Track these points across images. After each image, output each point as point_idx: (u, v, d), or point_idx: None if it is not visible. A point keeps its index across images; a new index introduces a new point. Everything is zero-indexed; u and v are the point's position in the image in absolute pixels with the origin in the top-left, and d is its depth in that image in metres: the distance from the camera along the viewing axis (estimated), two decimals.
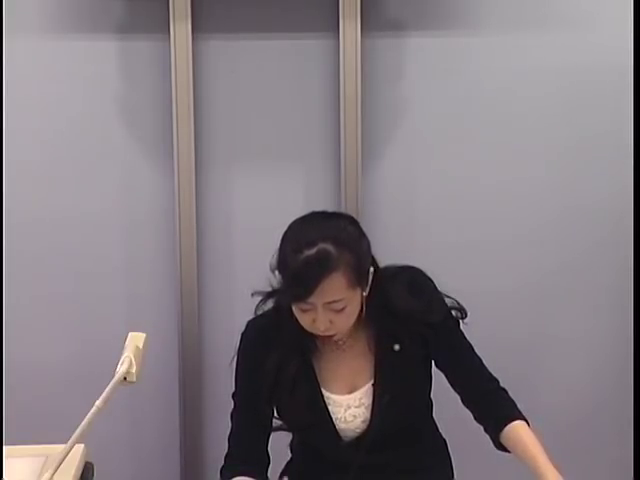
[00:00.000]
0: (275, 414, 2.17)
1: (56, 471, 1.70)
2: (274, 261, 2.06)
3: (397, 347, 2.12)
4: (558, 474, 2.00)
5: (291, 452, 2.29)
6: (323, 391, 2.13)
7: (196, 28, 2.65)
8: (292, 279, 2.00)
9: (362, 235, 2.09)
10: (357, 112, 2.67)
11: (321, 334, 2.06)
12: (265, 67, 2.71)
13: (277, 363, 2.11)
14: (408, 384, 2.13)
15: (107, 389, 1.74)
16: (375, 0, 2.66)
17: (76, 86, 2.70)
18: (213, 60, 2.70)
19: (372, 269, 2.08)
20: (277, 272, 2.05)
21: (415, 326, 2.12)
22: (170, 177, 2.71)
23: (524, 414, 2.16)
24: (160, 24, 2.65)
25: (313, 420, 2.12)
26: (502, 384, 2.22)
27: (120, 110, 2.71)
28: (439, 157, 2.76)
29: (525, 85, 2.74)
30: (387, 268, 2.15)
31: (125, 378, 1.78)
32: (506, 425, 2.12)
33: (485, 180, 2.77)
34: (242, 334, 2.19)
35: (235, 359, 2.18)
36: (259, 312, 2.19)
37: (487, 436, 2.18)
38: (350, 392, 2.14)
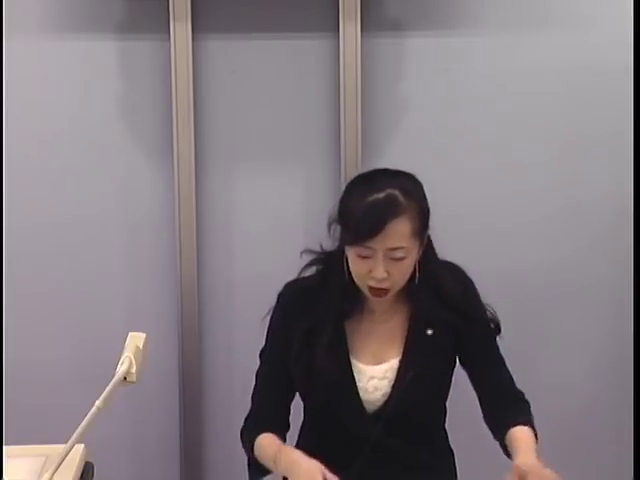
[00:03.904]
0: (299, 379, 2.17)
1: (56, 471, 1.70)
2: (332, 214, 2.10)
3: (430, 332, 2.15)
4: (533, 460, 2.01)
5: (299, 436, 2.29)
6: (350, 357, 2.15)
7: (196, 28, 2.65)
8: (359, 220, 2.03)
9: (424, 193, 2.14)
10: (357, 112, 2.67)
11: (376, 285, 2.06)
12: (265, 67, 2.71)
13: (310, 324, 2.13)
14: (434, 367, 2.15)
15: (107, 389, 1.74)
16: (375, 0, 2.66)
17: (76, 86, 2.70)
18: (213, 60, 2.70)
19: (429, 232, 2.12)
20: (337, 224, 2.08)
21: (452, 314, 2.14)
22: (170, 177, 2.71)
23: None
24: (160, 24, 2.65)
25: (337, 382, 2.12)
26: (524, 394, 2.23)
27: (120, 110, 2.72)
28: (439, 157, 2.76)
29: (525, 85, 2.74)
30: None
31: (125, 378, 1.78)
32: (509, 429, 2.13)
33: (485, 179, 2.78)
34: (279, 294, 2.21)
35: (269, 317, 2.20)
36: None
37: (492, 446, 2.20)
38: (376, 364, 2.15)
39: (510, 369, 2.25)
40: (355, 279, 2.10)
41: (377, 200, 2.03)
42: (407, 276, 2.10)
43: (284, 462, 2.05)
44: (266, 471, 2.16)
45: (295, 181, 2.76)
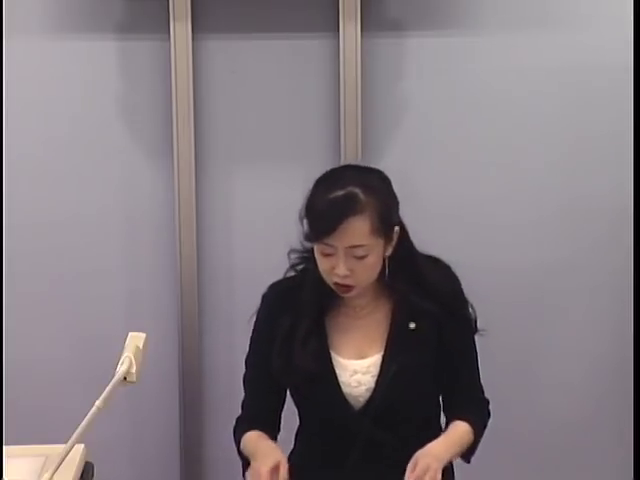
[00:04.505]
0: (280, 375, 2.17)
1: (56, 471, 1.70)
2: (302, 209, 2.10)
3: (412, 325, 2.14)
4: (436, 448, 2.04)
5: (296, 439, 2.29)
6: (331, 352, 2.15)
7: (196, 28, 2.65)
8: (317, 217, 2.04)
9: (391, 190, 2.13)
10: (357, 112, 2.67)
11: (340, 282, 2.07)
12: (265, 67, 2.71)
13: (291, 321, 2.14)
14: (417, 361, 2.15)
15: (107, 389, 1.74)
16: (375, 0, 2.66)
17: (76, 86, 2.70)
18: (213, 60, 2.70)
19: (398, 228, 2.11)
20: (304, 219, 2.09)
21: (434, 305, 2.14)
22: (170, 177, 2.71)
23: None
24: (160, 24, 2.65)
25: (318, 377, 2.13)
26: (489, 403, 2.25)
27: (120, 110, 2.71)
28: (439, 157, 2.76)
29: (525, 85, 2.74)
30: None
31: (125, 378, 1.78)
32: (451, 421, 2.17)
33: (485, 180, 2.77)
34: (263, 296, 2.22)
35: (254, 320, 2.22)
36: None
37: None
38: (358, 358, 2.15)
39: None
40: (323, 276, 2.10)
41: (336, 197, 2.03)
42: (373, 273, 2.10)
43: (256, 451, 2.09)
44: None
45: (295, 181, 2.74)
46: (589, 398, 2.85)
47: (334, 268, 2.05)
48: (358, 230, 2.02)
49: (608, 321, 2.83)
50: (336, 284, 2.09)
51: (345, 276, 2.05)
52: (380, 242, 2.07)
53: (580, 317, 2.84)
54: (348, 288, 2.09)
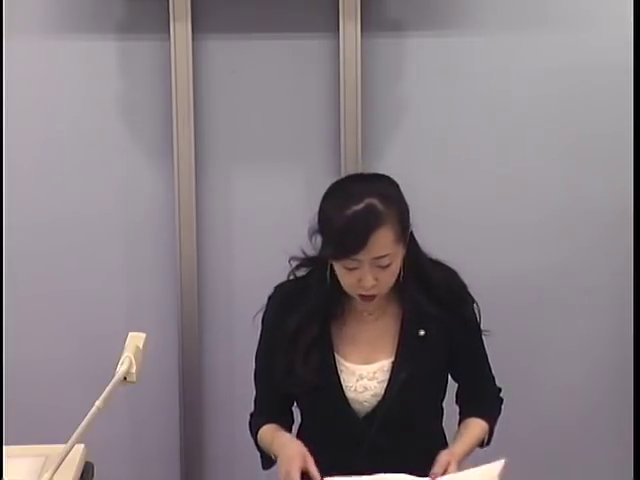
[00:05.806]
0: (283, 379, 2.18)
1: (56, 471, 1.70)
2: (313, 225, 2.09)
3: (422, 332, 2.15)
4: (455, 456, 2.07)
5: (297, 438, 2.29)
6: (337, 356, 2.15)
7: (196, 28, 2.65)
8: (341, 234, 2.01)
9: (402, 194, 2.12)
10: (357, 112, 2.67)
11: (365, 293, 2.07)
12: (265, 67, 2.71)
13: (297, 324, 2.14)
14: (426, 369, 2.15)
15: (107, 389, 1.74)
16: (375, 0, 2.66)
17: (76, 86, 2.70)
18: (213, 60, 2.70)
19: (411, 230, 2.13)
20: (318, 234, 2.08)
21: (440, 309, 2.14)
22: (170, 177, 2.71)
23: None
24: (160, 24, 2.65)
25: (322, 383, 2.13)
26: (501, 390, 2.27)
27: (120, 110, 2.71)
28: (439, 157, 2.76)
29: (525, 85, 2.74)
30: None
31: (125, 378, 1.78)
32: (467, 417, 2.20)
33: (485, 180, 2.77)
34: (268, 297, 2.22)
35: (260, 319, 2.22)
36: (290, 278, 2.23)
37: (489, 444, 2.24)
38: (365, 364, 2.15)
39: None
40: (345, 289, 2.10)
41: (357, 212, 2.01)
42: (394, 278, 2.10)
43: (276, 447, 2.10)
44: (274, 460, 2.19)
45: (295, 181, 2.76)
46: (589, 398, 2.86)
47: (360, 281, 2.05)
48: (384, 241, 2.01)
49: (608, 322, 2.83)
50: (361, 295, 2.09)
51: (372, 287, 2.06)
52: (401, 247, 2.08)
53: (580, 318, 2.84)
54: (372, 297, 2.10)
